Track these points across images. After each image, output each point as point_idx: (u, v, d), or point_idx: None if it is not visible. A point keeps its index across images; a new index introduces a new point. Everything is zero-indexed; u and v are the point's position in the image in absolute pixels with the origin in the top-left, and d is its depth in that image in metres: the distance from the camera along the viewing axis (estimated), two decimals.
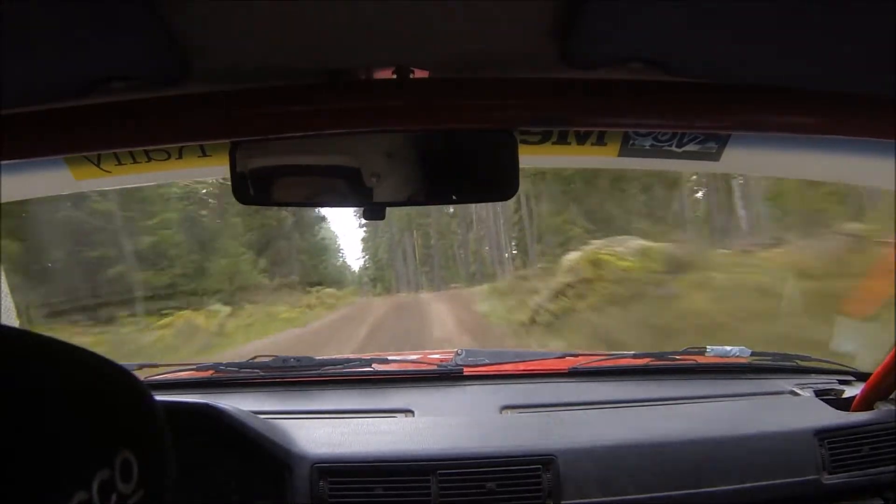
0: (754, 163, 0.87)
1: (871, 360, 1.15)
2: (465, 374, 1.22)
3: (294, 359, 1.22)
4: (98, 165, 0.81)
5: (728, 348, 1.22)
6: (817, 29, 0.51)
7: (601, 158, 0.84)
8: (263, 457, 0.91)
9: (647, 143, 0.80)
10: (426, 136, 0.70)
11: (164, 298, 10.37)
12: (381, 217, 0.73)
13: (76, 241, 9.58)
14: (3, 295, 1.17)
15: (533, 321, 8.14)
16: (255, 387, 1.21)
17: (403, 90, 0.65)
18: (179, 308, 10.30)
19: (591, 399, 1.13)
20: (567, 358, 1.27)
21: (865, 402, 1.06)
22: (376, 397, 1.18)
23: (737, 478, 0.92)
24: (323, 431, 0.98)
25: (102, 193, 9.11)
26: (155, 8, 0.47)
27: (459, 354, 1.28)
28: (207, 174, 0.88)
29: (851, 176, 0.91)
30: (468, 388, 1.21)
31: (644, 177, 11.27)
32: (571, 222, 13.32)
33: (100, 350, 0.33)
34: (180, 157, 0.81)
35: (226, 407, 0.93)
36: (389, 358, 1.29)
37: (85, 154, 0.78)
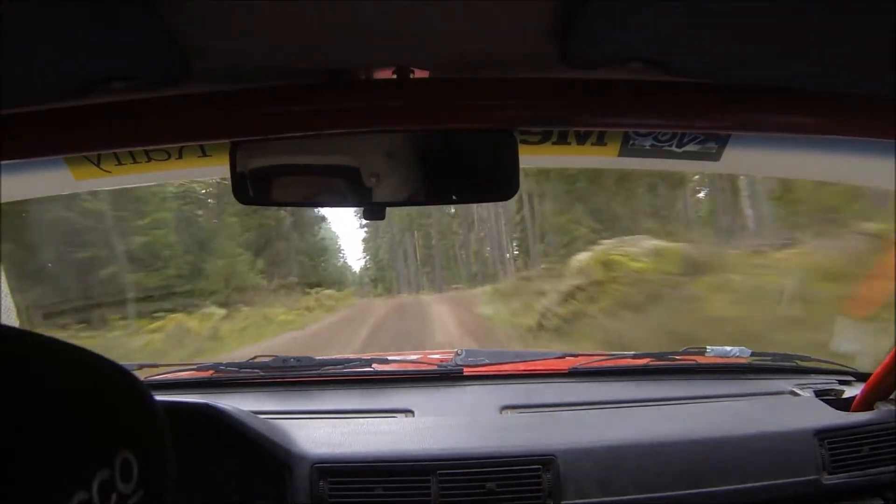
0: (754, 163, 0.87)
1: (870, 360, 1.15)
2: (465, 374, 1.22)
3: (294, 359, 1.22)
4: (98, 165, 0.81)
5: (728, 348, 1.22)
6: (817, 29, 0.51)
7: (601, 158, 0.84)
8: (263, 457, 0.91)
9: (647, 143, 0.80)
10: (426, 136, 0.70)
11: (156, 301, 10.15)
12: (381, 217, 0.73)
13: (64, 241, 9.39)
14: (3, 295, 1.17)
15: (540, 326, 7.71)
16: (255, 387, 1.21)
17: (403, 90, 0.65)
18: (173, 310, 10.05)
19: (591, 399, 1.13)
20: (567, 358, 1.27)
21: (865, 403, 1.05)
22: (376, 397, 1.18)
23: (737, 478, 0.92)
24: (323, 431, 0.98)
25: (93, 192, 9.00)
26: (155, 8, 0.47)
27: (459, 354, 1.28)
28: (207, 174, 0.88)
29: (851, 176, 0.91)
30: (468, 388, 1.21)
31: (649, 175, 11.10)
32: (576, 221, 13.07)
33: None
34: (180, 157, 0.81)
35: (226, 407, 0.93)
36: (389, 358, 1.30)
37: (85, 154, 0.78)
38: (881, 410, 1.03)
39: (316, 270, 21.28)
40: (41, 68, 0.55)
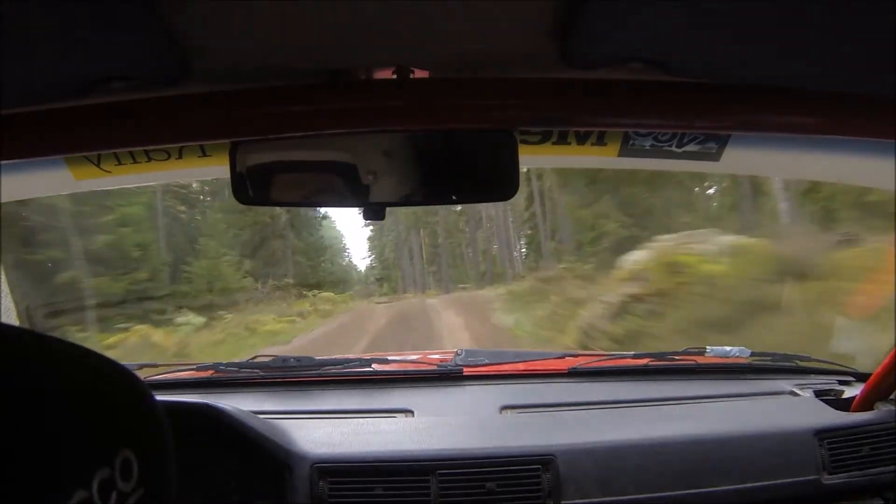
0: (754, 163, 0.87)
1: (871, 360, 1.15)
2: (464, 374, 1.22)
3: (294, 359, 1.22)
4: (98, 165, 0.81)
5: (728, 349, 1.22)
6: (817, 29, 0.51)
7: (601, 158, 0.84)
8: (263, 457, 0.91)
9: (647, 143, 0.80)
10: (426, 136, 0.70)
11: (120, 309, 8.99)
12: (381, 217, 0.73)
13: (16, 241, 7.75)
14: (3, 295, 1.17)
15: (585, 349, 5.57)
16: (255, 387, 1.21)
17: (403, 90, 0.65)
18: (141, 319, 8.74)
19: (591, 399, 1.13)
20: (567, 358, 1.27)
21: (865, 403, 1.06)
22: (376, 397, 1.18)
23: (737, 478, 0.92)
24: (323, 431, 0.98)
25: None
26: (155, 8, 0.47)
27: (459, 354, 1.28)
28: (207, 174, 0.88)
29: (851, 176, 0.91)
30: (468, 388, 1.21)
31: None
32: (605, 216, 11.28)
33: None
34: (180, 157, 0.81)
35: (226, 407, 0.93)
36: (389, 358, 1.30)
37: (85, 154, 0.78)
38: (881, 410, 1.03)
39: (315, 271, 20.51)
40: (41, 68, 0.55)
